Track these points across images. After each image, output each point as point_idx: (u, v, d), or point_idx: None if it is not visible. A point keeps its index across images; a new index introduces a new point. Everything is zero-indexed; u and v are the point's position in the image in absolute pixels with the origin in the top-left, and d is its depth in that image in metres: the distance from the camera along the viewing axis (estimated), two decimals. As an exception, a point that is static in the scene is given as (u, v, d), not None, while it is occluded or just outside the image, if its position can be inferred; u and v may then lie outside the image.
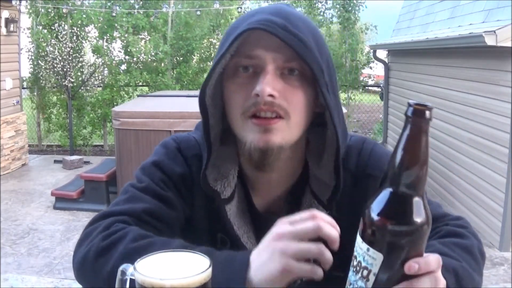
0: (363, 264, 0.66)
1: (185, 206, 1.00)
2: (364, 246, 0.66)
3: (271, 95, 0.86)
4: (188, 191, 1.00)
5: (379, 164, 0.99)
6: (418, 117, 0.63)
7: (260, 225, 1.00)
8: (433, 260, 0.68)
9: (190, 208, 1.01)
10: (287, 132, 0.90)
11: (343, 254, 0.98)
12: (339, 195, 0.94)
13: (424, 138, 0.63)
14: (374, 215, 0.65)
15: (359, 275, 0.67)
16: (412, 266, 0.65)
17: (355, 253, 0.68)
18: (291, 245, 0.74)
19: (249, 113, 0.89)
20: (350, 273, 0.69)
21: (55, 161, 8.04)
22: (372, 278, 0.65)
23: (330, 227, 0.75)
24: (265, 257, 0.75)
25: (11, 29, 7.32)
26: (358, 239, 0.67)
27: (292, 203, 1.00)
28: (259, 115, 0.88)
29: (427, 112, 0.63)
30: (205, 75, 10.07)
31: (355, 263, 0.68)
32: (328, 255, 0.74)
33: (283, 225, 0.77)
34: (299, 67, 0.89)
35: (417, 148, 0.63)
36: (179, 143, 1.04)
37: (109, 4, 8.98)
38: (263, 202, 1.02)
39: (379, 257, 0.64)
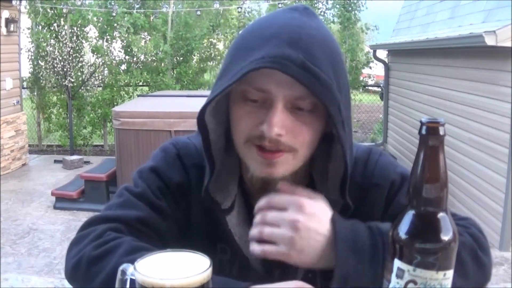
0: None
1: (181, 216, 0.98)
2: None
3: (278, 134, 0.82)
4: (184, 200, 0.98)
5: (384, 173, 0.98)
6: (432, 135, 0.64)
7: None
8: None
9: (186, 217, 0.99)
10: (291, 163, 0.88)
11: None
12: (348, 215, 0.91)
13: (442, 155, 0.65)
14: (403, 235, 0.66)
15: None
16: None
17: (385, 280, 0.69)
18: None
19: (253, 142, 0.86)
20: None
21: (55, 161, 8.04)
22: None
23: None
24: None
25: (11, 29, 7.32)
26: (395, 262, 0.67)
27: None
28: (264, 147, 0.85)
29: (441, 128, 0.64)
30: (205, 75, 10.05)
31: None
32: None
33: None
34: (312, 104, 0.84)
35: (436, 166, 0.65)
36: (179, 149, 1.02)
37: (109, 4, 8.98)
38: None
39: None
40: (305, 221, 0.80)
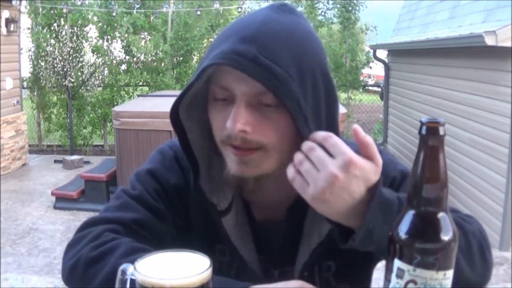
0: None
1: (178, 218, 0.98)
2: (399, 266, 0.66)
3: (242, 131, 0.81)
4: (182, 203, 0.98)
5: (384, 171, 0.92)
6: (432, 135, 0.64)
7: (260, 236, 0.98)
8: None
9: (184, 219, 0.99)
10: (265, 161, 0.86)
11: (350, 267, 0.98)
12: None
13: (442, 155, 0.65)
14: (403, 235, 0.66)
15: None
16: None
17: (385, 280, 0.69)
18: None
19: (226, 142, 0.85)
20: None
21: (55, 161, 8.04)
22: None
23: None
24: None
25: (11, 29, 7.32)
26: (395, 262, 0.67)
27: (294, 214, 0.97)
28: (236, 146, 0.84)
29: (441, 128, 0.64)
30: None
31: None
32: None
33: None
34: (274, 99, 0.81)
35: (436, 166, 0.65)
36: (177, 151, 1.01)
37: (109, 4, 8.98)
38: (263, 213, 0.99)
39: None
40: (344, 181, 0.74)
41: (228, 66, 0.78)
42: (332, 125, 0.86)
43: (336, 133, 0.84)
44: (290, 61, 0.80)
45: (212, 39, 9.90)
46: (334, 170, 0.74)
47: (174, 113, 0.89)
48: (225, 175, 0.90)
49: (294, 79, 0.80)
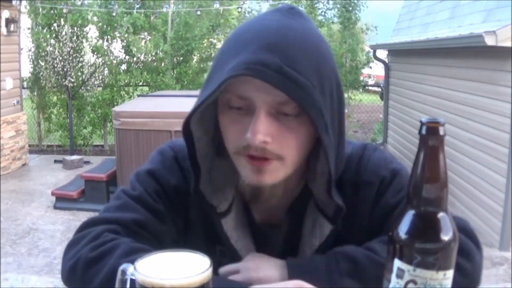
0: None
1: (178, 219, 0.98)
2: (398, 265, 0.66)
3: (264, 142, 0.80)
4: (182, 204, 0.98)
5: (375, 170, 0.96)
6: (432, 135, 0.64)
7: (261, 237, 0.98)
8: None
9: (184, 220, 0.99)
10: (281, 171, 0.85)
11: None
12: (342, 214, 0.89)
13: (442, 155, 0.65)
14: (403, 235, 0.66)
15: None
16: None
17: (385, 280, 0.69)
18: None
19: (242, 152, 0.84)
20: None
21: (55, 161, 8.04)
22: None
23: None
24: None
25: (11, 29, 7.32)
26: (395, 262, 0.67)
27: (294, 215, 0.97)
28: (252, 155, 0.83)
29: (441, 128, 0.64)
30: (205, 75, 10.04)
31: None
32: None
33: None
34: (296, 108, 0.81)
35: (436, 166, 0.65)
36: (177, 152, 1.00)
37: (109, 4, 8.98)
38: (263, 214, 0.99)
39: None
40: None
41: (254, 77, 0.76)
42: (341, 132, 0.87)
43: (344, 139, 0.86)
44: (311, 69, 0.79)
45: (212, 39, 9.94)
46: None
47: (187, 122, 0.86)
48: (240, 183, 0.90)
49: (316, 87, 0.79)
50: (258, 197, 0.91)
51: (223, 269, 0.89)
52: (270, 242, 0.98)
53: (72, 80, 8.42)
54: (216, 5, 9.37)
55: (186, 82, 9.63)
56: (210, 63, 10.89)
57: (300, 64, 0.78)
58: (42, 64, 8.58)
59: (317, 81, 0.80)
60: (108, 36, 9.21)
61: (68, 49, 8.41)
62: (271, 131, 0.80)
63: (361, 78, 10.23)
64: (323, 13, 9.61)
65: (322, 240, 0.93)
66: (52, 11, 8.68)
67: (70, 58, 8.39)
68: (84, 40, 9.04)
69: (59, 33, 8.68)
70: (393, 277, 0.67)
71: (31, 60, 8.90)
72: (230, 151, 0.87)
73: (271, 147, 0.81)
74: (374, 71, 10.85)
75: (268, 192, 0.90)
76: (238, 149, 0.84)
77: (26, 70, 8.89)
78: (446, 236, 0.65)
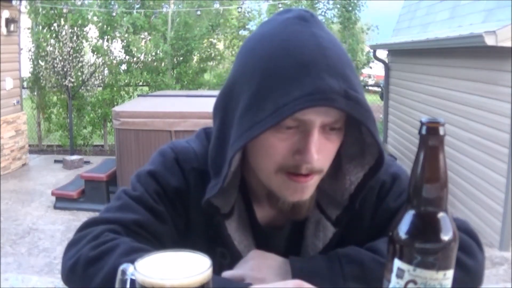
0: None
1: (179, 220, 0.98)
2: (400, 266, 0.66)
3: (317, 160, 0.81)
4: (183, 205, 0.97)
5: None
6: (432, 135, 0.64)
7: (263, 239, 0.98)
8: None
9: (184, 222, 0.98)
10: (317, 182, 0.88)
11: None
12: (349, 215, 0.90)
13: (442, 155, 0.65)
14: (403, 235, 0.66)
15: None
16: None
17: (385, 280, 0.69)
18: None
19: (287, 171, 0.84)
20: None
21: (55, 161, 8.04)
22: None
23: None
24: None
25: (11, 29, 7.32)
26: (395, 262, 0.67)
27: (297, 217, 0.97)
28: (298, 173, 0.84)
29: (441, 128, 0.64)
30: (205, 75, 10.01)
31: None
32: None
33: None
34: (342, 123, 0.83)
35: (436, 166, 0.65)
36: (178, 153, 1.00)
37: (109, 4, 8.98)
38: (266, 216, 0.99)
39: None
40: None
41: (330, 106, 0.76)
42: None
43: None
44: (359, 85, 0.81)
45: (212, 39, 9.95)
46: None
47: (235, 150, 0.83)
48: (279, 204, 0.90)
49: (366, 99, 0.81)
50: (296, 212, 0.91)
51: (227, 274, 0.88)
52: (273, 244, 0.98)
53: (72, 80, 8.41)
54: (216, 5, 9.38)
55: (186, 82, 9.63)
56: (210, 63, 10.88)
57: (355, 83, 0.80)
58: (42, 64, 8.58)
59: (362, 92, 0.81)
60: (108, 36, 9.21)
61: (68, 49, 8.40)
62: (321, 149, 0.82)
63: (361, 78, 10.24)
64: (323, 13, 9.60)
65: (325, 242, 0.93)
66: (52, 11, 8.68)
67: (70, 58, 8.38)
68: (84, 40, 9.04)
69: (59, 33, 8.68)
70: (393, 277, 0.67)
71: (31, 60, 8.90)
72: (268, 171, 0.86)
73: (317, 164, 0.82)
74: (374, 71, 10.87)
75: (307, 204, 0.90)
76: (282, 167, 0.84)
77: (26, 70, 8.90)
78: (446, 236, 0.65)
